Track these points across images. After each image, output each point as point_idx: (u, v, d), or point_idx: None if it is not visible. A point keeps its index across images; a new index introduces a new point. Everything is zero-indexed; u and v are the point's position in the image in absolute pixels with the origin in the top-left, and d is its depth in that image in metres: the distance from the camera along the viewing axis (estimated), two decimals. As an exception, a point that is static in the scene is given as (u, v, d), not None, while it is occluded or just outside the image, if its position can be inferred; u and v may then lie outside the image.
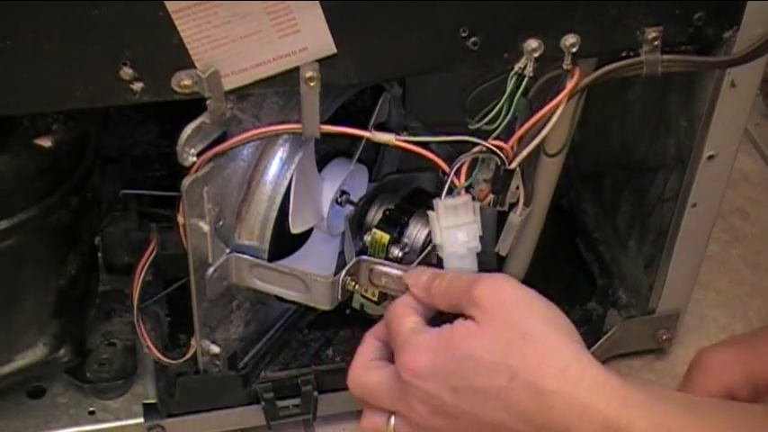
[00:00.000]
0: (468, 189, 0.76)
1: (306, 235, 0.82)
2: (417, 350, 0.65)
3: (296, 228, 0.78)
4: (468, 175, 0.75)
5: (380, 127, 0.77)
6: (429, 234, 0.79)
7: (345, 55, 0.67)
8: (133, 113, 0.93)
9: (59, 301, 0.80)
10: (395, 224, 0.80)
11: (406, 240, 0.79)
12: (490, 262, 0.91)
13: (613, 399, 0.60)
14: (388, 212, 0.81)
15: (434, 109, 0.79)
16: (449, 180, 0.74)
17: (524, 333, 0.62)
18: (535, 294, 0.66)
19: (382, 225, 0.80)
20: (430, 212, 0.75)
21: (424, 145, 0.74)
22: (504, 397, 0.62)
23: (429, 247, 0.79)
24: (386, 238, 0.79)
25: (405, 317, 0.68)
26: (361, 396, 0.69)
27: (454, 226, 0.74)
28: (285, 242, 0.79)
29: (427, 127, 0.81)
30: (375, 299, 0.80)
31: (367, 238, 0.80)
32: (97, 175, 0.80)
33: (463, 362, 0.63)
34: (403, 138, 0.73)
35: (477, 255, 0.91)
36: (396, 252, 0.79)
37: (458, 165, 0.74)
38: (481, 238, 0.76)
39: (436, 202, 0.74)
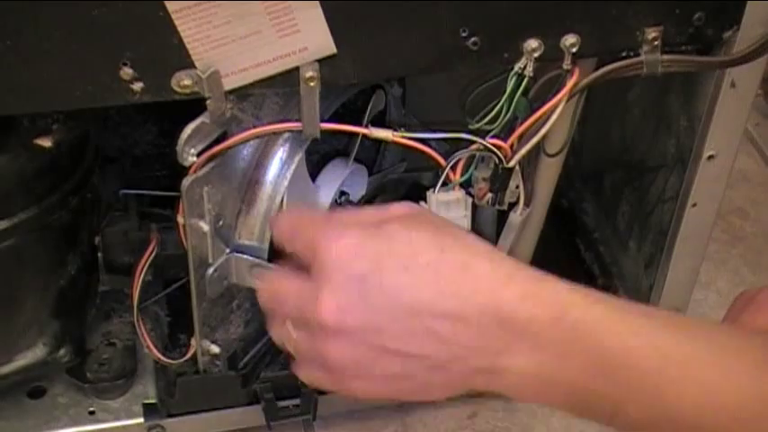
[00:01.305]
0: (465, 186, 0.76)
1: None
2: (344, 228, 0.59)
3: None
4: (465, 172, 0.75)
5: (378, 119, 0.77)
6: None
7: (345, 55, 0.67)
8: (133, 113, 0.93)
9: (59, 301, 0.80)
10: None
11: None
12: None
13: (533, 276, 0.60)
14: None
15: (434, 109, 0.79)
16: (444, 174, 0.74)
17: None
18: None
19: None
20: (422, 204, 0.75)
21: (422, 141, 0.74)
22: (434, 269, 0.58)
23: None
24: None
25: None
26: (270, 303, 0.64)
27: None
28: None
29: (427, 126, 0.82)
30: None
31: None
32: (97, 175, 0.80)
33: (395, 240, 0.59)
34: (400, 134, 0.73)
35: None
36: None
37: (454, 160, 0.74)
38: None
39: (429, 194, 0.74)
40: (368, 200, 0.83)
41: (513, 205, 0.81)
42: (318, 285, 0.59)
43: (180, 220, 0.73)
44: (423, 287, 0.58)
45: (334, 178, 0.81)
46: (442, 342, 0.58)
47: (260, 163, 0.75)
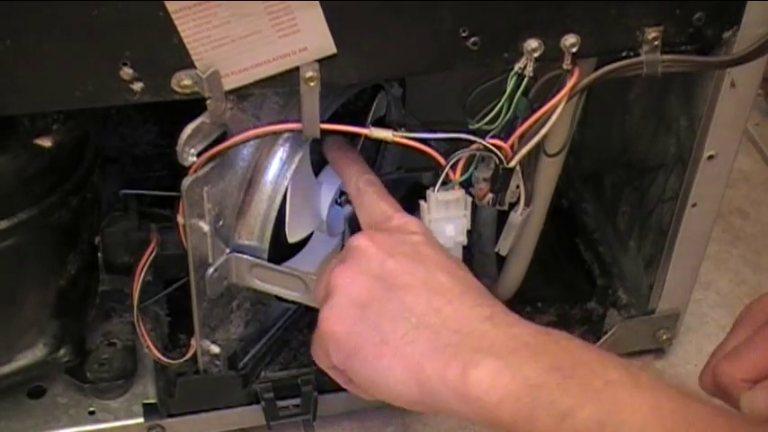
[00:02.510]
0: (465, 186, 0.76)
1: (306, 238, 0.82)
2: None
3: (293, 237, 0.78)
4: (465, 171, 0.75)
5: (378, 124, 0.77)
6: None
7: (345, 55, 0.67)
8: (133, 113, 0.93)
9: (59, 301, 0.80)
10: None
11: None
12: (490, 262, 0.92)
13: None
14: None
15: (434, 109, 0.79)
16: (444, 173, 0.74)
17: None
18: None
19: None
20: (421, 202, 0.75)
21: (422, 141, 0.74)
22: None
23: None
24: None
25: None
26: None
27: (444, 219, 0.75)
28: (285, 244, 0.79)
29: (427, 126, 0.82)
30: None
31: None
32: (97, 175, 0.80)
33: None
34: (400, 134, 0.73)
35: (478, 255, 0.91)
36: None
37: (455, 159, 0.74)
38: (470, 232, 0.76)
39: (429, 193, 0.74)
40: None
41: (513, 205, 0.81)
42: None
43: (180, 220, 0.73)
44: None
45: (335, 178, 0.81)
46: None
47: (260, 163, 0.75)
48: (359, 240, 0.66)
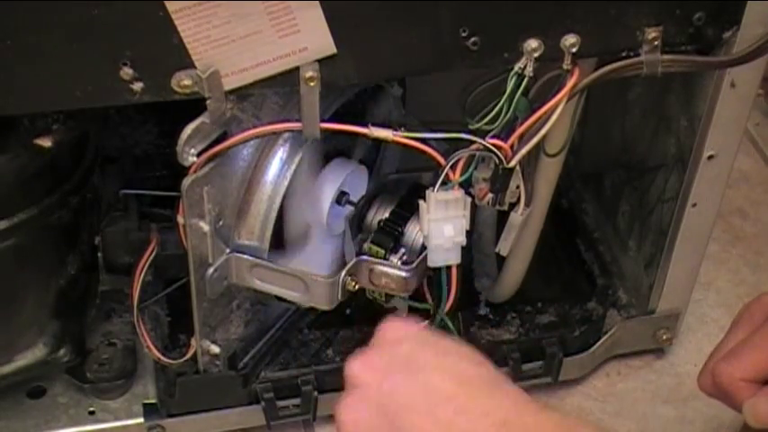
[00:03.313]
0: (465, 186, 0.76)
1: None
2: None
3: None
4: (464, 171, 0.75)
5: (378, 124, 0.77)
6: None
7: (345, 55, 0.67)
8: (133, 113, 0.93)
9: (59, 301, 0.80)
10: (389, 236, 0.79)
11: (403, 249, 0.79)
12: (490, 262, 0.92)
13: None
14: (381, 224, 0.81)
15: (434, 109, 0.79)
16: (443, 173, 0.74)
17: None
18: None
19: (377, 239, 0.79)
20: (421, 202, 0.75)
21: (422, 141, 0.74)
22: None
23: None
24: (381, 252, 0.79)
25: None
26: None
27: (443, 219, 0.75)
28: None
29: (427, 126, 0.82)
30: (383, 298, 0.81)
31: (365, 246, 0.79)
32: (97, 175, 0.80)
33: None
34: (400, 133, 0.73)
35: (478, 255, 0.92)
36: (394, 261, 0.79)
37: (454, 159, 0.74)
38: (470, 233, 0.76)
39: (428, 193, 0.74)
40: (368, 200, 0.83)
41: (513, 205, 0.81)
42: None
43: (180, 220, 0.73)
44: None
45: (335, 178, 0.81)
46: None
47: (260, 163, 0.75)
48: (351, 368, 0.63)
